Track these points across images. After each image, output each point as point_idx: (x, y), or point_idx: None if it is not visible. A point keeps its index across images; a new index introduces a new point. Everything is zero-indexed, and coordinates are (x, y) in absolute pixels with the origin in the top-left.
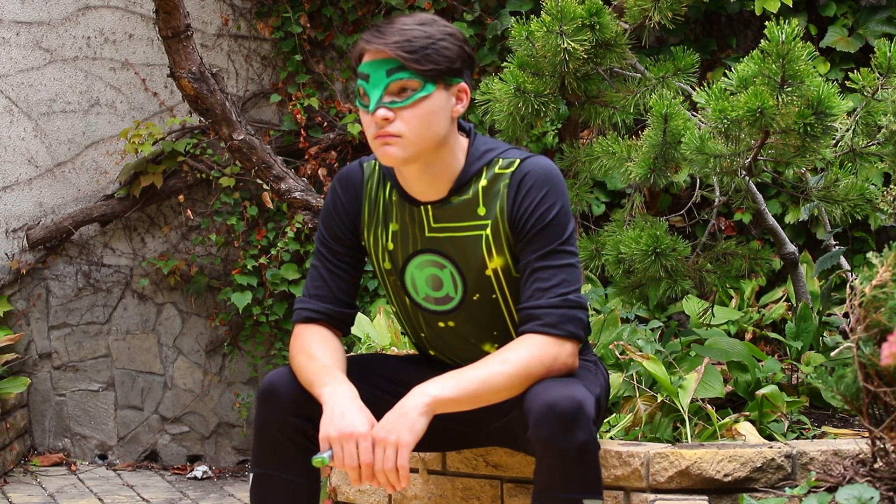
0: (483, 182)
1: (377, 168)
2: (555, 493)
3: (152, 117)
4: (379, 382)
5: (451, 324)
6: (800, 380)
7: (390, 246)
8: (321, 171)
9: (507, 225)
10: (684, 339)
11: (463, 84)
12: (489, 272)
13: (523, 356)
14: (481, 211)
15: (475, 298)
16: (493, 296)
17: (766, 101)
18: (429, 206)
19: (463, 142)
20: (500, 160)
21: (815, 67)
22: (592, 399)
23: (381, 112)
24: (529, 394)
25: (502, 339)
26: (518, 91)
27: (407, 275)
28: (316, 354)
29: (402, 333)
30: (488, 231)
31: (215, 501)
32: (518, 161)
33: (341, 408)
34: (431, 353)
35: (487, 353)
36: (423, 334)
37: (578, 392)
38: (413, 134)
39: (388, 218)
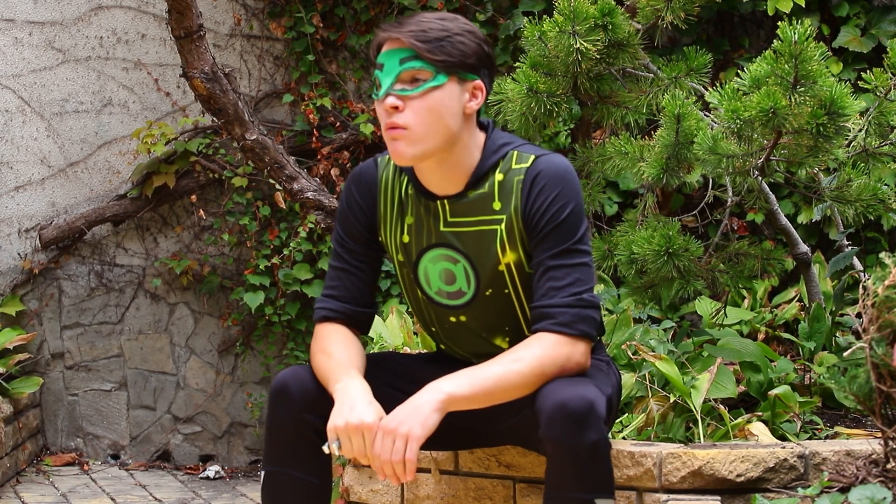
0: (499, 176)
1: (391, 162)
2: (566, 492)
3: (165, 117)
4: (394, 381)
5: (462, 318)
6: (812, 380)
7: (405, 239)
8: (334, 172)
9: (520, 222)
10: (697, 340)
11: (478, 81)
12: (502, 267)
13: (536, 355)
14: (497, 205)
15: (488, 294)
16: (506, 291)
17: (778, 101)
18: (445, 201)
19: (479, 137)
20: (516, 154)
21: (827, 67)
22: (604, 399)
23: (390, 100)
24: (541, 393)
25: (513, 334)
26: (531, 91)
27: (420, 268)
28: (334, 353)
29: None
30: (503, 226)
31: (227, 501)
32: (533, 158)
33: (351, 402)
34: (443, 346)
35: (498, 348)
36: (434, 329)
37: (590, 392)
38: (420, 127)
39: (404, 211)
